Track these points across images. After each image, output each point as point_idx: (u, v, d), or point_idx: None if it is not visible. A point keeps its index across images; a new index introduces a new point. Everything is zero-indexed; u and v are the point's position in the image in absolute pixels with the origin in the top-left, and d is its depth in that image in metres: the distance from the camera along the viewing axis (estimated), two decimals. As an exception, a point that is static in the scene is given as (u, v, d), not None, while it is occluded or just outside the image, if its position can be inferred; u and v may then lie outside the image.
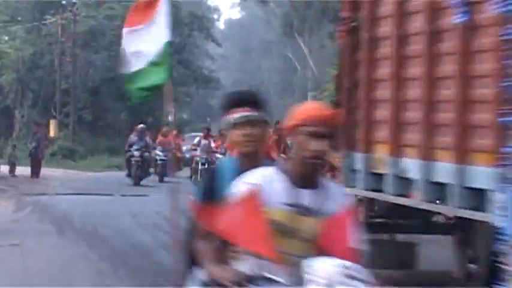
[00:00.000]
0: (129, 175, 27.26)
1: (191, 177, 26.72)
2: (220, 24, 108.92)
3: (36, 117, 43.10)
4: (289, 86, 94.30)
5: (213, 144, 26.23)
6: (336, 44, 51.29)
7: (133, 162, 26.90)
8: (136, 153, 26.80)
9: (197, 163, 26.21)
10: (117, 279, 10.12)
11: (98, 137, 48.09)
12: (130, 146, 27.53)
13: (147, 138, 27.94)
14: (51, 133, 44.21)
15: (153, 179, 27.75)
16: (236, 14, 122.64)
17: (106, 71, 50.36)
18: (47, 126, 44.26)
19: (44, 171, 30.75)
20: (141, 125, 28.65)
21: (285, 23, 56.53)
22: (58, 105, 46.32)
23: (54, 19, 47.77)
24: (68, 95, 46.62)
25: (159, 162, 28.74)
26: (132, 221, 16.54)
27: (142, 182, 26.83)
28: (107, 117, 51.42)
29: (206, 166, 24.79)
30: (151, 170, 28.79)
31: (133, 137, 27.91)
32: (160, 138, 29.43)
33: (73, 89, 46.22)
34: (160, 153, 28.65)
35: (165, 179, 27.22)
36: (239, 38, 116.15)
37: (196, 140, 27.78)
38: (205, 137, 26.71)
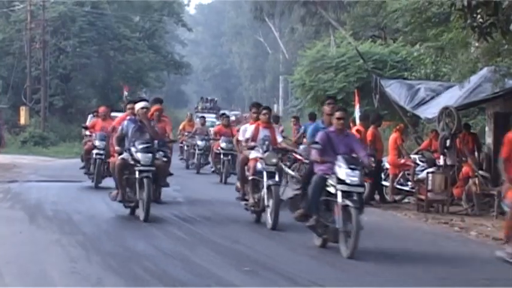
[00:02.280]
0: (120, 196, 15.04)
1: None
2: (191, 9, 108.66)
3: (6, 104, 42.75)
4: (260, 70, 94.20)
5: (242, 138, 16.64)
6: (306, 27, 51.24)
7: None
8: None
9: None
10: (90, 266, 10.09)
11: (69, 124, 47.86)
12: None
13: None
14: (22, 120, 43.98)
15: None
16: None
17: (77, 57, 50.12)
18: (18, 113, 44.01)
19: (15, 158, 30.51)
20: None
21: (255, 7, 56.35)
22: (29, 92, 46.01)
23: (23, 5, 47.37)
24: (38, 81, 46.33)
25: None
26: (105, 208, 16.47)
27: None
28: (78, 103, 51.21)
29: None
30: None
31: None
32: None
33: (43, 75, 45.91)
34: None
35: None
36: (210, 22, 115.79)
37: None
38: (226, 126, 22.85)
